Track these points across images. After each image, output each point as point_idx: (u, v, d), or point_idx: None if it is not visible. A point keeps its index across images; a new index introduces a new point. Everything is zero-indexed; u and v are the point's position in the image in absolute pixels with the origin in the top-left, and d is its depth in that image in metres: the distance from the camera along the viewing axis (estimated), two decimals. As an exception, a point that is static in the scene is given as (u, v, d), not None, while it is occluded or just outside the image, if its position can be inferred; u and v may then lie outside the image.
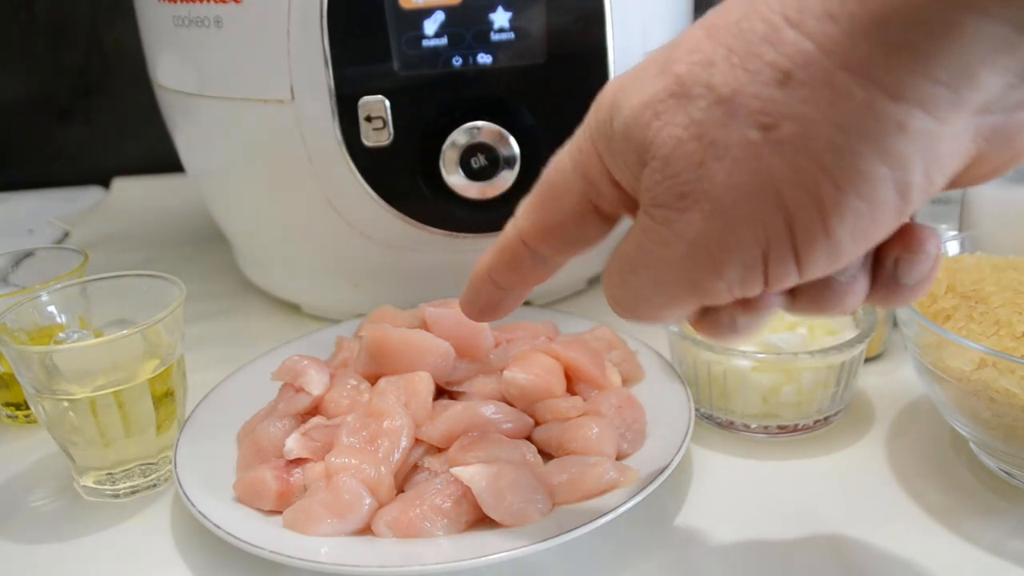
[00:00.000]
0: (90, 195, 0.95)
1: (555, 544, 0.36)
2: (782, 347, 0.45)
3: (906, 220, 0.24)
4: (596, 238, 0.30)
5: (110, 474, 0.44)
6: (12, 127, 0.97)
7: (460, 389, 0.45)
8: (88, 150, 0.99)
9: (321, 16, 0.48)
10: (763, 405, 0.45)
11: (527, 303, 0.60)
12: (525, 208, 0.30)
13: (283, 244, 0.60)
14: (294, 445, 0.41)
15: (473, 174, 0.51)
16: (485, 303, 0.33)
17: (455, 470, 0.38)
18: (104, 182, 0.98)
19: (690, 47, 0.24)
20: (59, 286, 0.46)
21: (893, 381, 0.51)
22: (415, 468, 0.41)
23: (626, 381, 0.48)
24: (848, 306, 0.27)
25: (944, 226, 0.62)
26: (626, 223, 0.29)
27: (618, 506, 0.37)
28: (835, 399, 0.46)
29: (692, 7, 0.62)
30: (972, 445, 0.44)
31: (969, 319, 0.40)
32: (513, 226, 0.31)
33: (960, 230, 0.54)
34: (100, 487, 0.44)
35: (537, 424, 0.44)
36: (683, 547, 0.39)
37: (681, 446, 0.41)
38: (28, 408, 0.51)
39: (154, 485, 0.45)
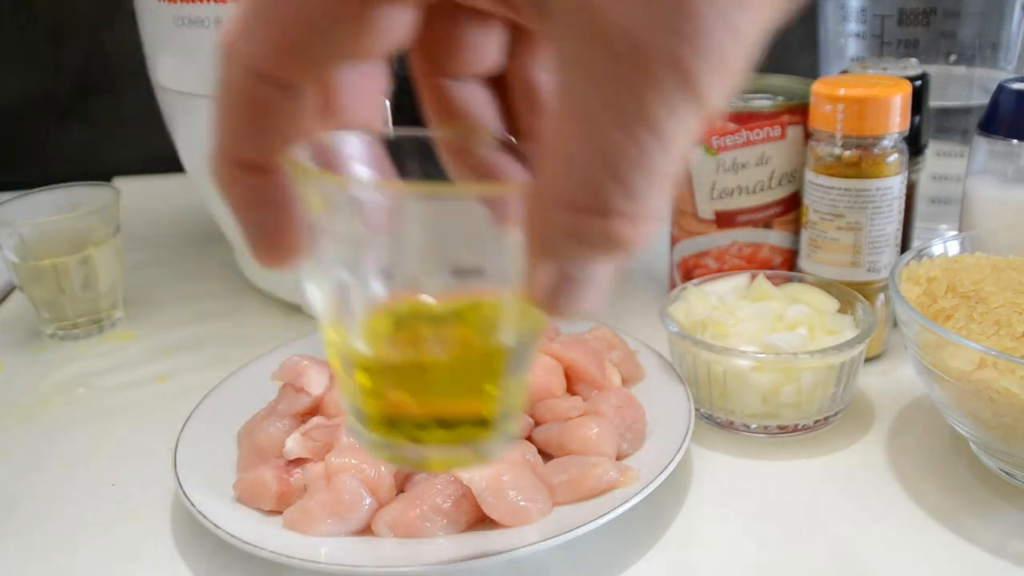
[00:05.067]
0: (90, 195, 0.95)
1: (555, 544, 0.36)
2: (782, 347, 0.45)
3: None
4: (368, 37, 0.20)
5: None
6: (12, 127, 0.97)
7: (460, 389, 0.45)
8: (88, 150, 0.99)
9: (321, 16, 0.48)
10: (763, 405, 0.45)
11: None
12: (240, 24, 0.20)
13: (283, 244, 0.60)
14: (294, 445, 0.41)
15: (473, 174, 0.51)
16: (261, 218, 0.22)
17: (455, 470, 0.38)
18: (104, 182, 0.98)
19: None
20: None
21: (893, 381, 0.51)
22: (415, 468, 0.41)
23: (626, 381, 0.48)
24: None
25: (944, 226, 0.62)
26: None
27: (618, 506, 0.37)
28: (835, 399, 0.46)
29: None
30: (972, 445, 0.44)
31: (969, 319, 0.40)
32: (231, 62, 0.20)
33: (960, 230, 0.54)
34: None
35: (537, 424, 0.44)
36: (683, 547, 0.39)
37: (681, 446, 0.41)
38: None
39: None
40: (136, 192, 0.94)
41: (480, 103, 0.24)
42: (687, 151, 0.18)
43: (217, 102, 0.21)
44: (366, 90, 0.23)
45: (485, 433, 0.24)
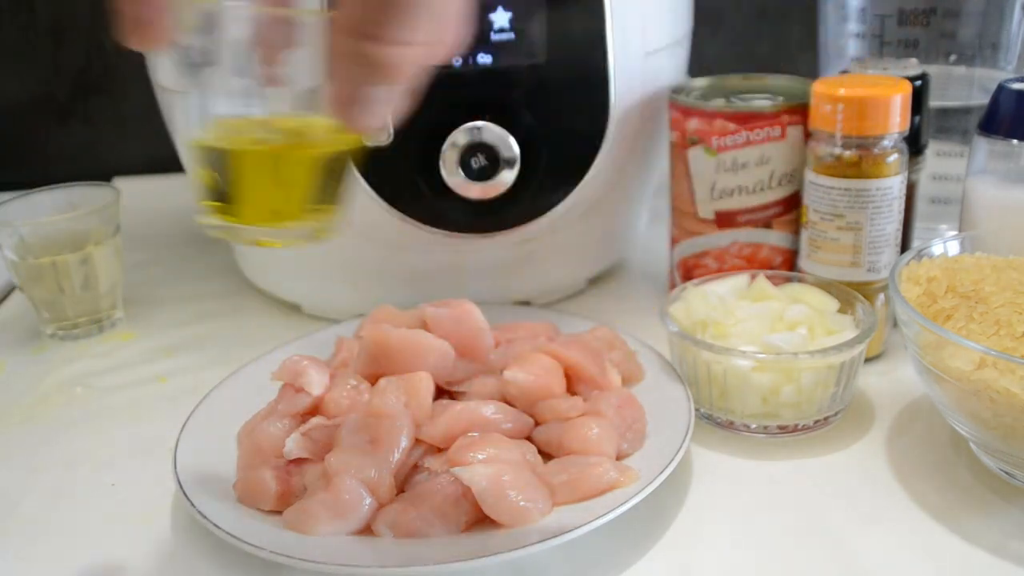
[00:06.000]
0: (90, 195, 0.95)
1: (555, 544, 0.36)
2: (782, 347, 0.45)
3: None
4: None
5: None
6: (12, 127, 0.97)
7: (460, 389, 0.45)
8: (88, 150, 0.99)
9: (321, 16, 0.48)
10: (763, 405, 0.45)
11: (527, 303, 0.60)
12: None
13: (283, 244, 0.60)
14: (294, 445, 0.41)
15: (473, 174, 0.51)
16: (137, 9, 0.26)
17: (455, 470, 0.38)
18: (104, 182, 0.98)
19: None
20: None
21: (893, 381, 0.51)
22: (415, 468, 0.41)
23: (626, 381, 0.48)
24: None
25: (944, 226, 0.62)
26: None
27: (618, 506, 0.37)
28: (835, 399, 0.46)
29: (692, 7, 0.62)
30: (972, 445, 0.44)
31: (969, 319, 0.40)
32: None
33: (960, 230, 0.54)
34: None
35: (537, 424, 0.44)
36: (683, 547, 0.39)
37: (681, 446, 0.41)
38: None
39: None
40: (136, 192, 0.94)
41: None
42: None
43: None
44: None
45: (302, 219, 0.33)
